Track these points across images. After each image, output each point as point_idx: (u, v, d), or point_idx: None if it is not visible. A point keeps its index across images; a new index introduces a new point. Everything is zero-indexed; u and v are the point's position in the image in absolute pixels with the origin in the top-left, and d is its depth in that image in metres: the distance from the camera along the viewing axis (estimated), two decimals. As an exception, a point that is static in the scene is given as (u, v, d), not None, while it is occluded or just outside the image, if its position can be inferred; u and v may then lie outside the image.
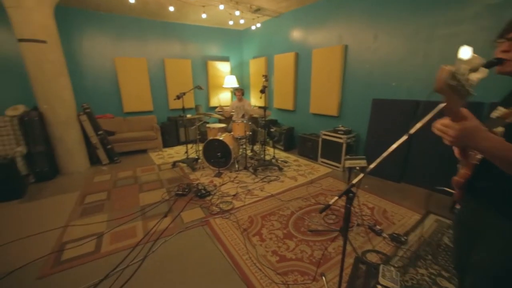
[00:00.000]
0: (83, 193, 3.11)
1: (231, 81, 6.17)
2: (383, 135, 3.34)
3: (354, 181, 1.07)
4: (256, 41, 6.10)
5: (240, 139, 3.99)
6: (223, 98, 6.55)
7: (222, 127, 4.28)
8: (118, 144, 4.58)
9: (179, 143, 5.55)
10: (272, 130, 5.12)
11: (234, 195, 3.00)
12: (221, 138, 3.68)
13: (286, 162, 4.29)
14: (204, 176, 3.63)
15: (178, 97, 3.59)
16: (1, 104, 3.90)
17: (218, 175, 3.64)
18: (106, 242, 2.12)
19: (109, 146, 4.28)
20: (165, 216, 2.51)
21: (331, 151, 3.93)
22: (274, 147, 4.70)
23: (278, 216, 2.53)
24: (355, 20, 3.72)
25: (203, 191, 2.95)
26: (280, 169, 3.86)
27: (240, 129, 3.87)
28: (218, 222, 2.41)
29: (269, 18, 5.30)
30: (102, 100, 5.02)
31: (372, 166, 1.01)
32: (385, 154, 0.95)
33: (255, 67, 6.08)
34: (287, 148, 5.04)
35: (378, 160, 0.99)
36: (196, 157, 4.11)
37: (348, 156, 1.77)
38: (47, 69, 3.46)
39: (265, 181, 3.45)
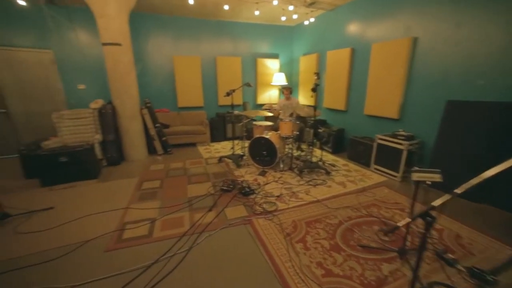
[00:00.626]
0: (141, 180, 3.45)
1: (280, 79, 6.07)
2: (460, 144, 2.79)
3: (436, 203, 0.86)
4: (307, 37, 5.84)
5: (287, 138, 3.88)
6: (270, 95, 6.50)
7: (269, 125, 4.23)
8: (171, 136, 4.97)
9: (225, 138, 5.74)
10: (320, 130, 4.85)
11: (278, 196, 2.92)
12: (267, 137, 3.63)
13: (334, 165, 4.00)
14: (248, 174, 3.65)
15: (228, 94, 3.67)
16: (88, 98, 4.67)
17: (262, 173, 3.61)
18: (157, 228, 2.29)
19: (164, 138, 4.68)
20: (210, 210, 2.59)
21: (388, 158, 3.49)
22: (321, 148, 4.44)
23: (325, 224, 2.35)
24: (429, 6, 3.18)
25: (247, 189, 2.95)
26: (328, 173, 3.61)
27: (287, 128, 3.76)
28: (261, 223, 2.37)
29: (323, 11, 5.00)
30: (160, 96, 5.51)
31: (464, 188, 0.79)
32: (495, 171, 0.73)
33: (305, 64, 5.84)
34: (336, 151, 4.71)
35: (481, 178, 0.76)
36: (242, 153, 4.16)
37: (416, 168, 1.49)
38: (120, 68, 3.94)
39: (310, 184, 3.28)
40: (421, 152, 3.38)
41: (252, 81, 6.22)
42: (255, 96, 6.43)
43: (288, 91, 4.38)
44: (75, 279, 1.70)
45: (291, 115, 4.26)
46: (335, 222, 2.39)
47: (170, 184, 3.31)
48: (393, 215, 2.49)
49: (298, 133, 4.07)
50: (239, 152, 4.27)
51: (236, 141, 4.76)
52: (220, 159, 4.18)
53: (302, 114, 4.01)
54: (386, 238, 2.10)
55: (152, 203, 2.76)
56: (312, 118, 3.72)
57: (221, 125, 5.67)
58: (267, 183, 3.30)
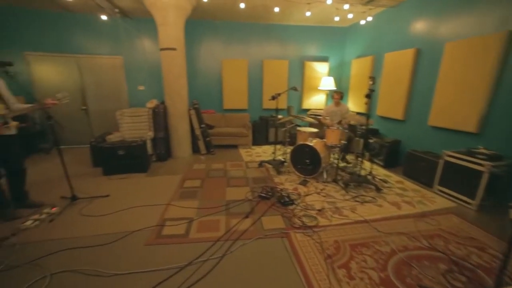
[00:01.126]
0: (184, 177, 3.60)
1: (328, 83, 5.72)
2: None
3: None
4: (362, 38, 5.37)
5: (333, 147, 3.58)
6: (317, 100, 6.19)
7: (314, 132, 4.00)
8: (215, 137, 5.12)
9: (267, 142, 5.66)
10: (371, 141, 4.36)
11: (319, 210, 2.68)
12: (312, 144, 3.40)
13: (385, 181, 3.53)
14: (288, 182, 3.48)
15: (273, 98, 3.57)
16: (145, 98, 5.20)
17: (304, 183, 3.39)
18: (194, 229, 2.30)
19: (208, 139, 4.85)
20: (247, 217, 2.51)
21: (459, 180, 2.89)
22: (371, 161, 3.97)
23: (373, 250, 2.03)
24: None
25: (287, 199, 2.79)
26: (378, 189, 3.19)
27: (334, 136, 3.47)
28: (299, 238, 2.18)
29: (383, 9, 4.52)
30: (207, 97, 5.76)
31: None
32: None
33: (358, 67, 5.38)
34: (388, 165, 4.17)
35: None
36: (283, 160, 4.01)
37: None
38: (174, 71, 4.23)
39: (357, 201, 2.93)
40: (509, 177, 2.69)
41: (298, 85, 6.02)
42: (300, 101, 6.20)
43: (338, 96, 4.06)
44: (117, 267, 1.80)
45: (339, 122, 3.92)
46: (386, 250, 2.04)
47: (210, 185, 3.36)
48: (468, 254, 2.00)
49: (345, 142, 3.72)
50: (280, 157, 4.12)
51: (278, 146, 4.63)
52: (261, 164, 4.11)
53: (352, 122, 3.66)
54: (460, 284, 1.68)
55: (192, 203, 2.82)
56: (363, 127, 3.36)
57: (264, 128, 5.61)
58: (308, 194, 3.08)
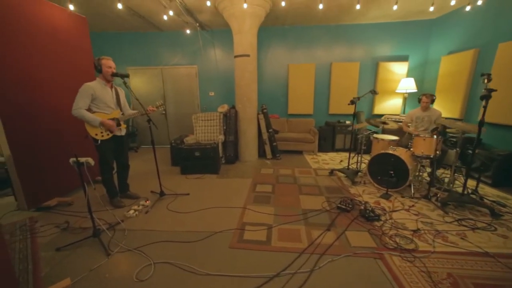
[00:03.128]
0: (254, 181, 3.61)
1: (408, 85, 5.02)
2: None
3: None
4: (460, 29, 4.51)
5: (424, 158, 3.05)
6: (392, 105, 5.51)
7: (394, 140, 3.53)
8: (279, 142, 5.05)
9: (333, 149, 5.31)
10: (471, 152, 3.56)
11: (414, 231, 2.27)
12: (397, 154, 2.97)
13: (503, 205, 2.79)
14: (366, 194, 3.11)
15: (352, 102, 3.28)
16: (215, 103, 5.57)
17: (386, 196, 2.98)
18: (275, 236, 2.21)
19: (274, 143, 4.81)
20: (328, 229, 2.30)
21: None
22: (478, 179, 3.19)
23: (511, 297, 1.55)
24: None
25: (371, 213, 2.46)
26: (495, 214, 2.53)
27: (426, 145, 2.96)
28: (397, 262, 1.86)
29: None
30: (272, 102, 5.77)
31: None
32: None
33: (451, 65, 4.55)
34: (499, 184, 3.33)
35: None
36: (357, 169, 3.64)
37: None
38: (246, 77, 4.36)
39: (464, 225, 2.38)
40: None
41: (370, 87, 5.49)
42: (371, 106, 5.63)
43: (428, 99, 3.47)
44: (206, 266, 1.83)
45: (435, 129, 3.34)
46: (533, 299, 1.53)
47: (282, 191, 3.26)
48: None
49: (439, 153, 3.12)
50: (352, 166, 3.75)
51: (347, 154, 4.25)
52: (332, 172, 3.82)
53: (452, 129, 3.07)
54: None
55: (267, 208, 2.76)
56: (463, 136, 2.75)
57: (330, 134, 5.29)
58: (394, 210, 2.67)
